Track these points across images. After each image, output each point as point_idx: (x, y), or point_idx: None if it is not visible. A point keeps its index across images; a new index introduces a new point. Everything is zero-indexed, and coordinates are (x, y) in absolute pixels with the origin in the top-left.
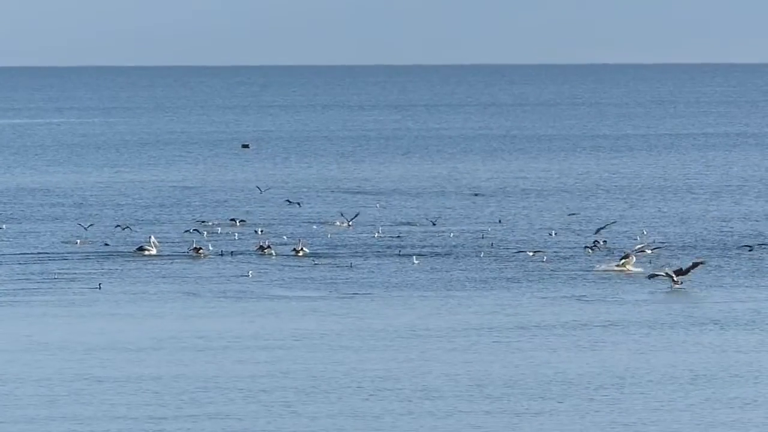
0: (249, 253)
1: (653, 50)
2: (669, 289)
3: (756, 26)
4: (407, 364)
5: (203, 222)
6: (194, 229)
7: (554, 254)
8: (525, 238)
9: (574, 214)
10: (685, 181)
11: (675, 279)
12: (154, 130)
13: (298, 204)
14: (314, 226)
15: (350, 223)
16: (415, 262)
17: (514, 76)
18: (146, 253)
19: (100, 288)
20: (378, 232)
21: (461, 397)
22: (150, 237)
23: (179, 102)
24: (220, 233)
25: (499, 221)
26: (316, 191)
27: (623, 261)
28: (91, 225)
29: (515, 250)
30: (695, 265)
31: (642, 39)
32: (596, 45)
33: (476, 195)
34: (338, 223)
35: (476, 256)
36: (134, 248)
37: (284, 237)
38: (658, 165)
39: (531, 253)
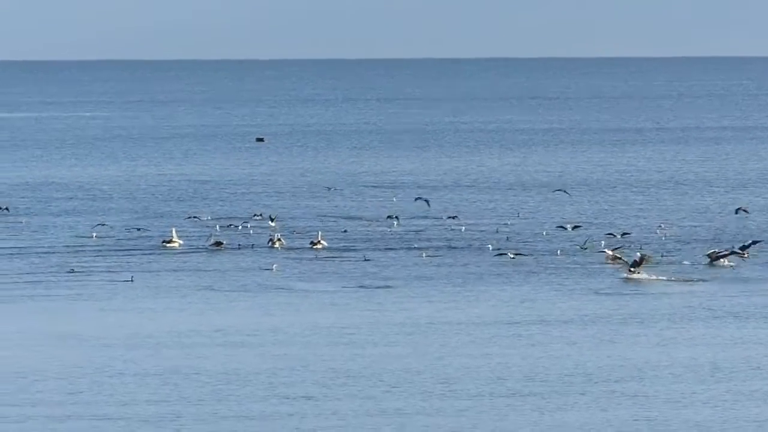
0: (260, 246)
1: (666, 43)
2: (623, 277)
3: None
4: (427, 356)
5: (196, 218)
6: (230, 224)
7: (572, 248)
8: (540, 232)
9: (743, 210)
10: (703, 174)
11: (631, 269)
12: (170, 124)
13: (427, 201)
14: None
15: (397, 221)
16: (424, 256)
17: (530, 69)
18: (172, 245)
19: (132, 281)
20: (395, 225)
21: (482, 389)
22: (172, 230)
23: (195, 96)
24: (235, 227)
25: (518, 215)
26: (333, 185)
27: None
28: (102, 225)
29: (496, 252)
30: (642, 258)
31: (653, 32)
32: (611, 38)
33: (564, 192)
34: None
35: (492, 249)
36: (161, 241)
37: (294, 232)
38: (676, 158)
39: (512, 256)
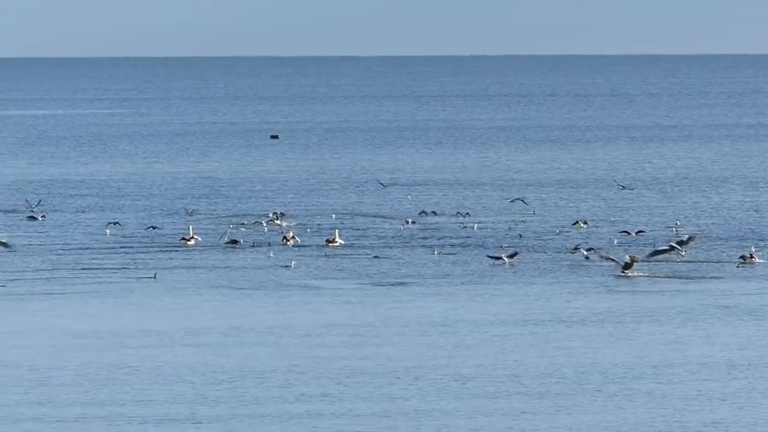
0: (275, 244)
1: (670, 40)
2: (617, 276)
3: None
4: (443, 353)
5: (191, 214)
6: (242, 222)
7: (585, 245)
8: (554, 230)
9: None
10: (719, 172)
11: (624, 269)
12: (185, 121)
13: (523, 200)
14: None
15: (417, 218)
16: (436, 253)
17: (544, 66)
18: (189, 242)
19: (155, 278)
20: (408, 223)
21: (499, 386)
22: (189, 227)
23: (210, 93)
24: (256, 223)
25: (534, 212)
26: (348, 182)
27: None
28: (116, 223)
29: (490, 255)
30: (633, 260)
31: (657, 29)
32: (614, 35)
33: (623, 188)
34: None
35: (504, 247)
36: (179, 238)
37: (308, 230)
38: (692, 156)
39: (507, 259)
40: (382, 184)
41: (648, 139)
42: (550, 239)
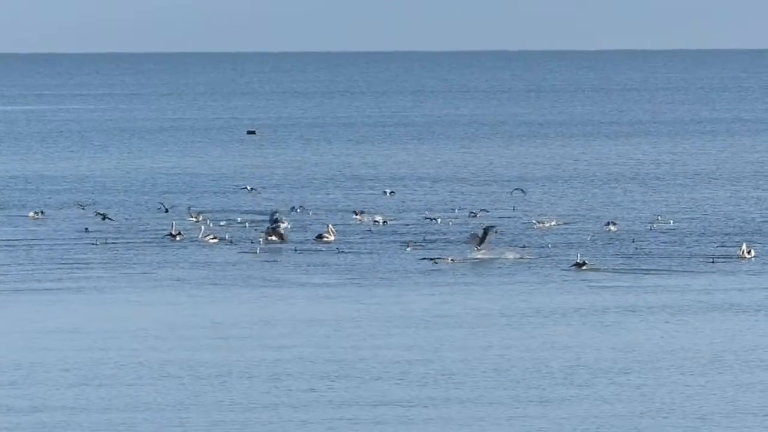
0: (255, 240)
1: (654, 36)
2: (471, 252)
3: (755, 10)
4: (427, 349)
5: (105, 215)
6: (209, 218)
7: (564, 241)
8: (530, 225)
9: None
10: (702, 167)
11: (478, 246)
12: (165, 117)
13: (523, 191)
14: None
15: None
16: (408, 250)
17: (524, 62)
18: (174, 238)
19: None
20: (386, 219)
21: (486, 382)
22: (172, 224)
23: (189, 89)
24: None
25: (514, 208)
26: (326, 178)
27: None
28: (104, 216)
29: (432, 258)
30: (486, 232)
31: (641, 24)
32: (599, 31)
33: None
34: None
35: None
36: (163, 235)
37: (287, 224)
38: (673, 151)
39: (451, 260)
40: (522, 191)
41: (629, 134)
42: (529, 237)
